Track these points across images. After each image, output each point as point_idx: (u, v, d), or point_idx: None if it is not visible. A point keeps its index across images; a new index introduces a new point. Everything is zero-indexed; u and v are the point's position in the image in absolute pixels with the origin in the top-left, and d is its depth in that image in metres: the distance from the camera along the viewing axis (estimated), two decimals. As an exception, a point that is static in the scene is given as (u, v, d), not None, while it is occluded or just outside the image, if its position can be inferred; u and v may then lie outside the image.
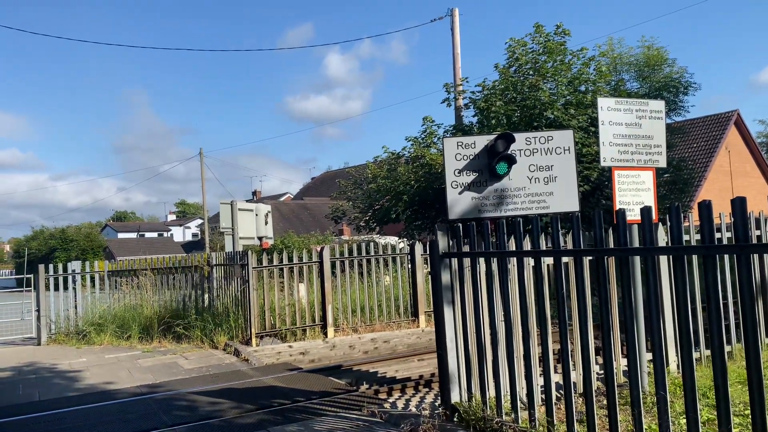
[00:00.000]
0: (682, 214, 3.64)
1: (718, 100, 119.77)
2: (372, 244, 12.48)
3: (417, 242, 13.07)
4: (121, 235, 73.66)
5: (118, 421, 6.39)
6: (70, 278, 13.11)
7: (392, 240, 19.91)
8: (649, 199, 6.26)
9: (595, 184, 14.18)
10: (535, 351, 4.80)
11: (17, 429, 6.35)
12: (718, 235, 7.18)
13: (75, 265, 13.33)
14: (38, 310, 12.70)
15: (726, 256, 6.97)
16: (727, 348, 4.40)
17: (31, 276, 13.72)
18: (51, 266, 13.29)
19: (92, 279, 13.46)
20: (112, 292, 13.42)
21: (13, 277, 30.06)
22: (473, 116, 16.59)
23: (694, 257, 6.70)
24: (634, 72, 24.09)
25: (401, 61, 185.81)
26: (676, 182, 21.06)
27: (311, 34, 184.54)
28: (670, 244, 3.62)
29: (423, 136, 16.72)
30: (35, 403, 7.45)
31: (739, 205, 3.20)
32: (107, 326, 12.18)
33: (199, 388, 7.69)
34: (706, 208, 3.35)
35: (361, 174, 20.45)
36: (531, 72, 15.14)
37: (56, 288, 13.02)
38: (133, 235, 74.52)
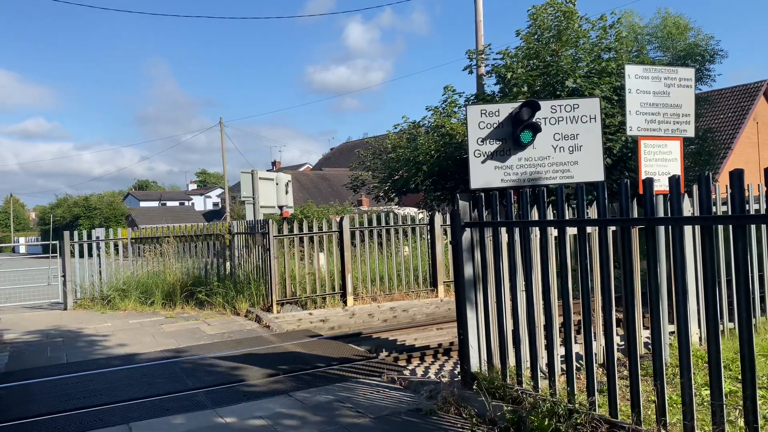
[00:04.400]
0: (711, 184, 3.55)
1: (750, 70, 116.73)
2: (391, 214, 12.48)
3: (436, 213, 13.03)
4: (143, 204, 74.75)
5: (143, 384, 6.54)
6: (94, 245, 13.32)
7: (411, 211, 19.90)
8: (676, 169, 6.14)
9: (618, 156, 13.89)
10: (556, 321, 4.78)
11: (47, 390, 6.54)
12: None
13: (99, 233, 13.54)
14: (64, 276, 12.97)
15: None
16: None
17: (57, 243, 13.97)
18: (76, 233, 13.52)
19: (116, 246, 13.68)
20: (135, 259, 13.65)
21: (39, 243, 30.67)
22: (495, 84, 16.35)
23: (720, 227, 6.58)
24: (656, 42, 23.46)
25: (423, 31, 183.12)
26: (701, 153, 20.66)
27: (332, 4, 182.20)
28: (698, 214, 3.55)
29: (444, 105, 16.51)
30: (63, 366, 7.65)
31: (772, 174, 3.12)
32: (131, 292, 12.42)
33: (221, 353, 7.83)
34: (737, 176, 3.27)
35: (381, 144, 20.35)
36: (552, 39, 14.79)
37: (81, 254, 13.26)
38: (155, 204, 75.47)
